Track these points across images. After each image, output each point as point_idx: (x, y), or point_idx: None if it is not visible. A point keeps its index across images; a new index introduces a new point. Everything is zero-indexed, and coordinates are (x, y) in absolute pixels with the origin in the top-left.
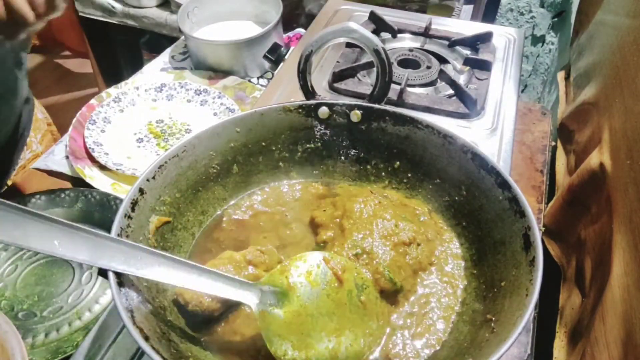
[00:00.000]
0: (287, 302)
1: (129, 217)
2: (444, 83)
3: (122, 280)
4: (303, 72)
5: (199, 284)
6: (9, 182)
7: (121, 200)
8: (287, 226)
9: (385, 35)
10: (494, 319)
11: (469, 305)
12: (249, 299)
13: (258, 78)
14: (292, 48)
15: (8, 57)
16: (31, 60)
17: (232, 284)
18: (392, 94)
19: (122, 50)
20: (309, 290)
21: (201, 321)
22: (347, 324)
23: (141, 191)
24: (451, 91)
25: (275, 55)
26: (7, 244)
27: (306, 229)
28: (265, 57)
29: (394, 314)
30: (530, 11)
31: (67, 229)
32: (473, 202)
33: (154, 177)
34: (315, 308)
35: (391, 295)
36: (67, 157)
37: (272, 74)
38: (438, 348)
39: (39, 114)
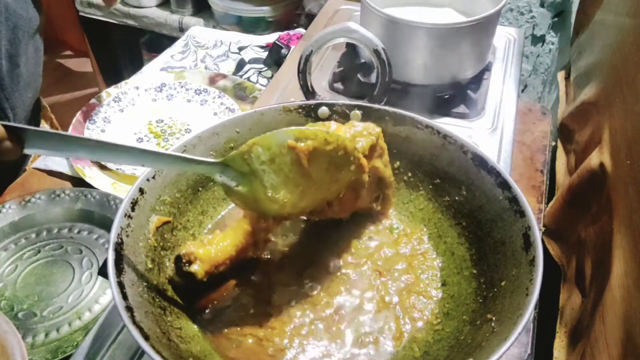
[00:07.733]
0: (249, 185)
1: (129, 217)
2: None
3: (122, 280)
4: (303, 72)
5: (166, 165)
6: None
7: (121, 200)
8: (287, 226)
9: None
10: (494, 318)
11: (468, 305)
12: (211, 173)
13: (257, 78)
14: (292, 48)
15: (29, 40)
16: None
17: (195, 161)
18: (392, 94)
19: (122, 50)
20: (272, 177)
21: (201, 289)
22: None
23: (141, 191)
24: (451, 91)
25: (276, 57)
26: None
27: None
28: (265, 62)
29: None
30: (530, 11)
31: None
32: (473, 202)
33: (154, 177)
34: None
35: None
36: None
37: (272, 74)
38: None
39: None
